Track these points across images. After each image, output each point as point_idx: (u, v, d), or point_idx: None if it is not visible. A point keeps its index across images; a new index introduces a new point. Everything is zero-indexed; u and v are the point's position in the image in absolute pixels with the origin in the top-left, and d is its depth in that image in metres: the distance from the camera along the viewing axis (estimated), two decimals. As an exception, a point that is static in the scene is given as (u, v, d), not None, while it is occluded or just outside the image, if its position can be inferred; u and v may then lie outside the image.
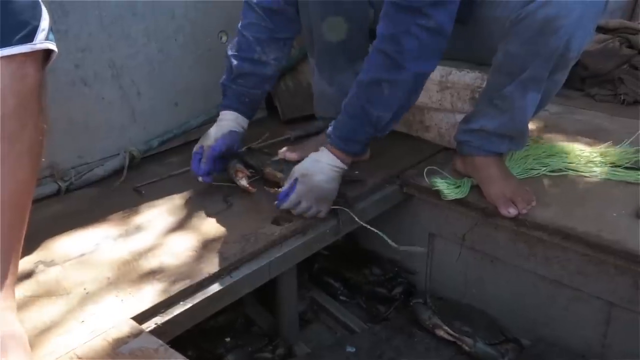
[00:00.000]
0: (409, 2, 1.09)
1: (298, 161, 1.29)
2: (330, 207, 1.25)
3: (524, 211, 1.24)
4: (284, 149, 1.43)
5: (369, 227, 1.26)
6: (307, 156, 1.27)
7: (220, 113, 1.42)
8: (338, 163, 1.23)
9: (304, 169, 1.22)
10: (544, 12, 1.09)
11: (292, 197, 1.21)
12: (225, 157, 1.38)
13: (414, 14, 1.09)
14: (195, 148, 1.37)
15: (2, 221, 0.84)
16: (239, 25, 1.40)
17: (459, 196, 1.32)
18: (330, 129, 1.25)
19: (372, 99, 1.17)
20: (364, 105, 1.18)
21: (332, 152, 1.23)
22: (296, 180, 1.21)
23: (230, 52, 1.40)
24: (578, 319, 1.27)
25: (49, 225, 1.23)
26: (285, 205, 1.23)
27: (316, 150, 1.28)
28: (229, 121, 1.39)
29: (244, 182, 1.34)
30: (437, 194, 1.35)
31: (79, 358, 0.86)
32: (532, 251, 1.28)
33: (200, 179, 1.35)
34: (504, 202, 1.25)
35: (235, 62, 1.38)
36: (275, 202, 1.24)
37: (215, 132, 1.37)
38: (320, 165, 1.22)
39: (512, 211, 1.23)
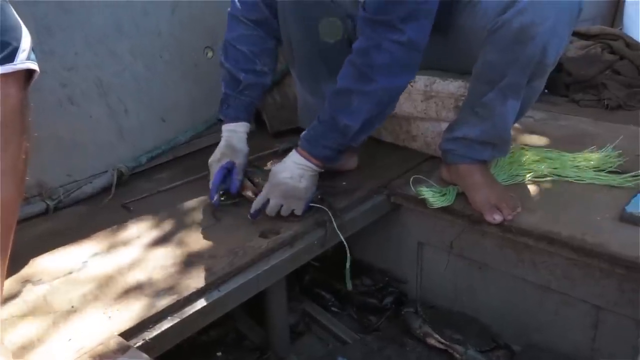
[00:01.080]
0: (381, 17, 1.11)
1: None
2: (306, 206, 1.28)
3: (509, 217, 1.25)
4: (270, 162, 1.44)
5: (344, 241, 1.28)
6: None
7: (230, 125, 1.43)
8: (303, 161, 1.25)
9: (273, 169, 1.26)
10: (519, 21, 1.11)
11: (259, 197, 1.26)
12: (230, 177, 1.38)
13: (386, 29, 1.12)
14: (222, 162, 1.36)
15: (-13, 241, 0.84)
16: (228, 37, 1.42)
17: (444, 204, 1.33)
18: (303, 133, 1.27)
19: (341, 107, 1.20)
20: (333, 113, 1.21)
21: (299, 153, 1.26)
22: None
23: (227, 65, 1.42)
24: (567, 324, 1.27)
25: (37, 244, 1.23)
26: (254, 206, 1.26)
27: None
28: (243, 133, 1.43)
29: (249, 193, 1.36)
30: (424, 202, 1.36)
31: (66, 376, 0.86)
32: (519, 257, 1.28)
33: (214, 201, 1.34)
34: (489, 209, 1.26)
35: (241, 74, 1.41)
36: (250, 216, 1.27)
37: (242, 147, 1.40)
38: (284, 164, 1.26)
39: (498, 218, 1.24)
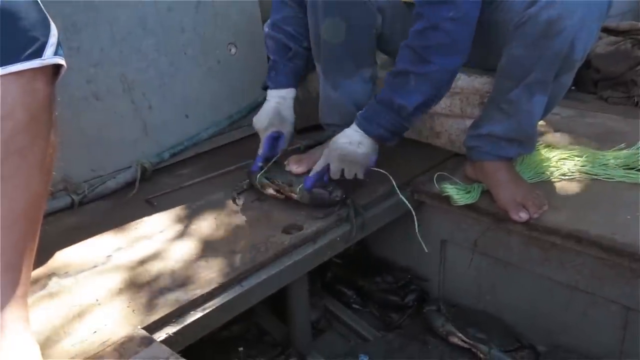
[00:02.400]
0: None
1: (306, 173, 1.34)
2: (367, 170, 1.30)
3: (535, 215, 1.22)
4: (291, 162, 1.42)
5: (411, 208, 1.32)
6: (313, 167, 1.33)
7: (280, 91, 1.44)
8: (369, 144, 1.26)
9: (332, 141, 1.28)
10: (546, 14, 1.09)
11: (320, 161, 1.30)
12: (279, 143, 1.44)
13: (442, 6, 1.13)
14: (269, 131, 1.41)
15: (15, 234, 0.85)
16: (273, 19, 1.46)
17: (469, 201, 1.31)
18: (359, 112, 1.29)
19: (398, 88, 1.22)
20: (390, 94, 1.22)
21: (360, 131, 1.27)
22: (327, 166, 1.29)
23: (276, 33, 1.44)
24: (595, 324, 1.25)
25: (63, 238, 1.24)
26: (314, 171, 1.30)
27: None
28: (291, 100, 1.45)
29: (271, 191, 1.37)
30: (448, 200, 1.34)
31: (91, 368, 0.86)
32: (546, 256, 1.26)
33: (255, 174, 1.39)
34: (514, 207, 1.24)
35: (291, 43, 1.43)
36: (305, 183, 1.29)
37: (269, 116, 1.41)
38: (343, 132, 1.27)
39: (524, 216, 1.22)
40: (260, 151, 1.41)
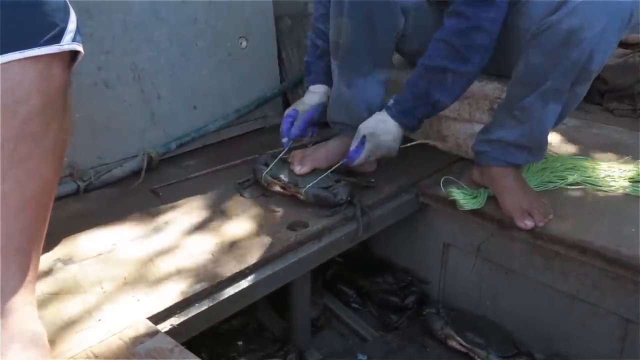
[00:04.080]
0: None
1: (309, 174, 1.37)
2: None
3: (541, 224, 1.23)
4: (295, 161, 1.40)
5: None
6: (317, 167, 1.37)
7: (310, 87, 1.50)
8: (399, 132, 1.33)
9: (372, 129, 1.31)
10: (568, 24, 1.09)
11: (363, 155, 1.33)
12: (314, 125, 1.47)
13: (484, 6, 1.17)
14: (288, 110, 1.46)
15: (26, 219, 0.85)
16: (314, 19, 1.52)
17: (475, 207, 1.32)
18: (391, 102, 1.33)
19: (435, 84, 1.26)
20: (428, 88, 1.27)
21: (393, 120, 1.32)
22: (364, 138, 1.31)
23: (313, 35, 1.50)
24: (594, 335, 1.25)
25: (68, 224, 1.24)
26: (357, 162, 1.34)
27: (326, 158, 1.40)
28: (319, 93, 1.48)
29: (277, 188, 1.37)
30: (453, 204, 1.34)
31: (96, 356, 0.86)
32: (548, 264, 1.26)
33: (285, 139, 1.43)
34: (520, 214, 1.24)
35: (319, 41, 1.48)
36: (345, 160, 1.35)
37: (309, 100, 1.46)
38: (387, 125, 1.32)
39: (529, 223, 1.22)
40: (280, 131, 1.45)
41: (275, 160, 1.41)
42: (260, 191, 1.40)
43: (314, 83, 1.49)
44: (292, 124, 1.43)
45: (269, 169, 1.38)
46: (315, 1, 1.52)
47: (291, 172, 1.38)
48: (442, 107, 1.31)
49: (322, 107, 1.46)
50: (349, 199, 1.31)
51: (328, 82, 1.47)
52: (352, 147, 1.33)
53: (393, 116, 1.31)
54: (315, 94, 1.47)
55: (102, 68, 1.43)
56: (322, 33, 1.47)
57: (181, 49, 1.59)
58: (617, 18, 1.09)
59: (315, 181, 1.32)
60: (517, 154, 1.29)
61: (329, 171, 1.36)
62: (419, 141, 1.45)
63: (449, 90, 1.27)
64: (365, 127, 1.32)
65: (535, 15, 1.16)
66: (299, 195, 1.33)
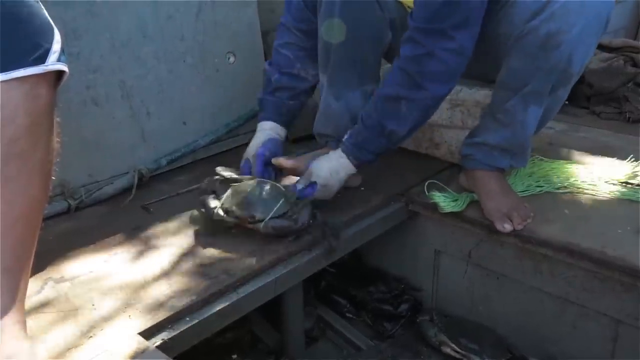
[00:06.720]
0: (433, 25, 1.13)
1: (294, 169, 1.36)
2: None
3: (519, 227, 1.24)
4: (281, 160, 1.38)
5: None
6: (301, 163, 1.35)
7: (259, 124, 1.47)
8: (352, 171, 1.30)
9: (325, 179, 1.28)
10: (546, 27, 1.11)
11: (302, 180, 1.30)
12: (269, 165, 1.40)
13: (438, 37, 1.14)
14: (242, 163, 1.43)
15: (14, 238, 0.85)
16: (276, 44, 1.47)
17: (455, 209, 1.33)
18: (346, 136, 1.30)
19: (389, 114, 1.23)
20: (381, 119, 1.23)
21: (347, 159, 1.28)
22: (315, 184, 1.28)
23: (268, 68, 1.47)
24: (585, 336, 1.26)
25: (59, 243, 1.25)
26: (299, 187, 1.29)
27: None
28: (266, 130, 1.45)
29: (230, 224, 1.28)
30: (435, 207, 1.35)
31: (87, 373, 0.87)
32: (537, 268, 1.28)
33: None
34: (499, 218, 1.26)
35: (275, 75, 1.45)
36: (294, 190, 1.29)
37: (256, 143, 1.43)
38: (339, 177, 1.29)
39: (507, 227, 1.24)
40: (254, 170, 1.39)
41: (225, 194, 1.27)
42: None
43: (261, 120, 1.47)
44: (250, 169, 1.40)
45: (217, 206, 1.24)
46: (282, 26, 1.46)
47: (246, 203, 1.23)
48: (397, 138, 1.25)
49: (272, 142, 1.42)
50: (313, 218, 1.26)
51: (277, 118, 1.45)
52: (300, 186, 1.29)
53: (345, 151, 1.28)
54: (261, 132, 1.45)
55: (91, 86, 1.45)
56: (284, 62, 1.43)
57: (169, 65, 1.60)
58: (595, 20, 1.11)
59: (272, 211, 1.21)
60: (500, 158, 1.31)
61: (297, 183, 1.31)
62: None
63: (403, 119, 1.22)
64: (319, 173, 1.28)
65: (517, 21, 1.18)
66: (257, 228, 1.22)
